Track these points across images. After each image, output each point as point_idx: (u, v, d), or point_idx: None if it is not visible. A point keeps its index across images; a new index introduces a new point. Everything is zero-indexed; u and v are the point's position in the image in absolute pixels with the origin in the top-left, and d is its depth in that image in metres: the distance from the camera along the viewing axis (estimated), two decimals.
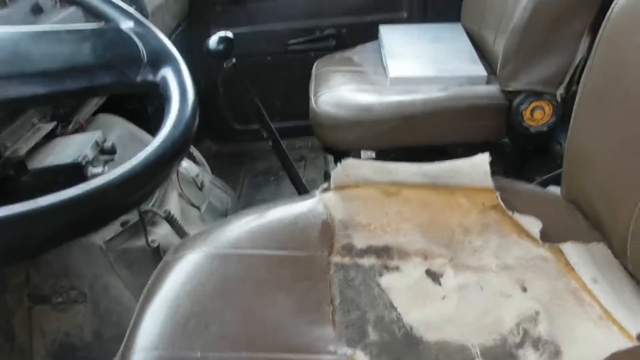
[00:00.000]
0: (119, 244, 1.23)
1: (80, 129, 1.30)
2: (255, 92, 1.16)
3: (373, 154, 1.56)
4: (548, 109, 1.49)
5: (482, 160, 0.87)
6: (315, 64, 1.86)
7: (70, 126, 1.27)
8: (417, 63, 1.66)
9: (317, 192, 0.91)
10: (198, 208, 1.50)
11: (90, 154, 1.11)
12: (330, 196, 0.89)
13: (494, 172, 1.65)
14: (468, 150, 1.58)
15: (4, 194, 1.07)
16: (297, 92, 2.08)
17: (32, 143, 1.09)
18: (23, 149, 1.06)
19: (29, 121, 1.11)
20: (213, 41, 1.10)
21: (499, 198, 0.85)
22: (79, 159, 1.07)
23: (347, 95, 1.59)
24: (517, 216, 0.82)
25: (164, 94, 0.59)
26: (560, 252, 0.80)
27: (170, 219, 1.27)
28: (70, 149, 1.12)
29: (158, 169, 0.52)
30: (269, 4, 2.05)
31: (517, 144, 1.56)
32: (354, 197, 0.88)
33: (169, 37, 1.77)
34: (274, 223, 0.86)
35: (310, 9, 2.06)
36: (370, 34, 1.94)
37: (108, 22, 0.71)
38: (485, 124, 1.53)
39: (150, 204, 1.30)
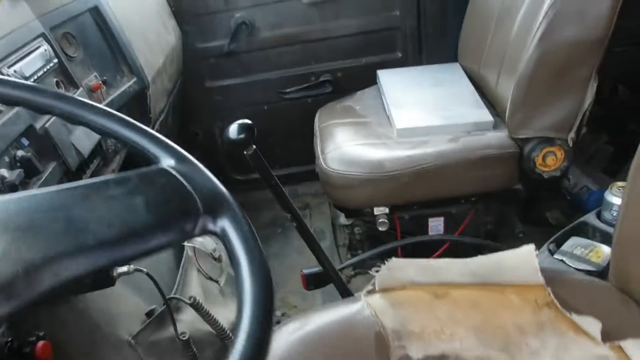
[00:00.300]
0: (147, 337, 1.20)
1: None
2: (275, 177, 1.13)
3: (386, 210, 1.54)
4: (560, 154, 1.48)
5: (529, 253, 0.85)
6: (317, 116, 1.83)
7: None
8: (422, 111, 1.65)
9: (362, 295, 0.88)
10: (217, 282, 1.47)
11: None
12: (377, 300, 0.86)
13: (507, 219, 1.62)
14: (481, 199, 1.58)
15: None
16: (296, 138, 2.06)
17: None
18: None
19: None
20: (233, 131, 1.05)
21: (552, 295, 0.83)
22: None
23: (356, 152, 1.56)
24: (575, 317, 0.81)
25: (227, 247, 0.56)
26: (622, 349, 0.78)
27: (195, 306, 1.24)
28: None
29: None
30: (262, 53, 2.01)
31: (530, 189, 1.55)
32: (403, 301, 0.86)
33: (169, 99, 1.75)
34: (324, 336, 0.83)
35: (303, 56, 2.02)
36: (366, 77, 1.93)
37: (146, 156, 0.67)
38: (498, 172, 1.53)
39: (173, 291, 1.27)
